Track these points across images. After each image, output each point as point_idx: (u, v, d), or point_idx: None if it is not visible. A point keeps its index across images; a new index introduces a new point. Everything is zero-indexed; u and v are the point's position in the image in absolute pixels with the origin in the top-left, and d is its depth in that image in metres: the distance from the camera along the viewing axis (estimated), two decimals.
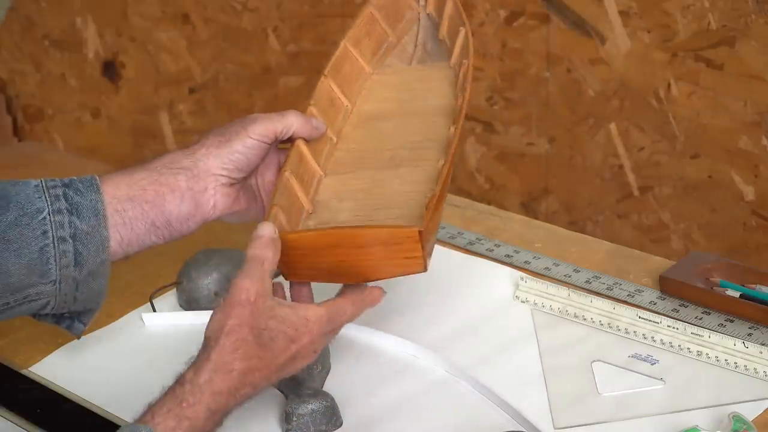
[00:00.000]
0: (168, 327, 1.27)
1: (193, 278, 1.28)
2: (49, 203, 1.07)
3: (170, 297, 1.31)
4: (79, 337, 1.14)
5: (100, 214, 1.08)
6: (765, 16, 1.76)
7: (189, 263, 1.29)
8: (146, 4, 2.52)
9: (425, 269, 1.06)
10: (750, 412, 1.09)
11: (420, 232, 1.03)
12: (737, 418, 1.07)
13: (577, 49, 1.96)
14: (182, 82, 2.51)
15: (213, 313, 1.02)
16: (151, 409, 1.00)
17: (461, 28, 1.27)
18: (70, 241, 1.08)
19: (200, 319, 1.27)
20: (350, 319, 1.08)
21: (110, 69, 2.55)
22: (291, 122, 1.15)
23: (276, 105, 2.39)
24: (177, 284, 1.30)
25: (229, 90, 2.47)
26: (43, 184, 1.09)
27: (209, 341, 1.01)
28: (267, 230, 1.05)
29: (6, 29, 2.79)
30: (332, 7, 2.29)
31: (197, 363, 1.01)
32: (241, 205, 1.16)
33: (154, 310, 1.28)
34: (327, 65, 1.23)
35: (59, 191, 1.08)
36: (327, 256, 1.06)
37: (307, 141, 1.17)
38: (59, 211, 1.07)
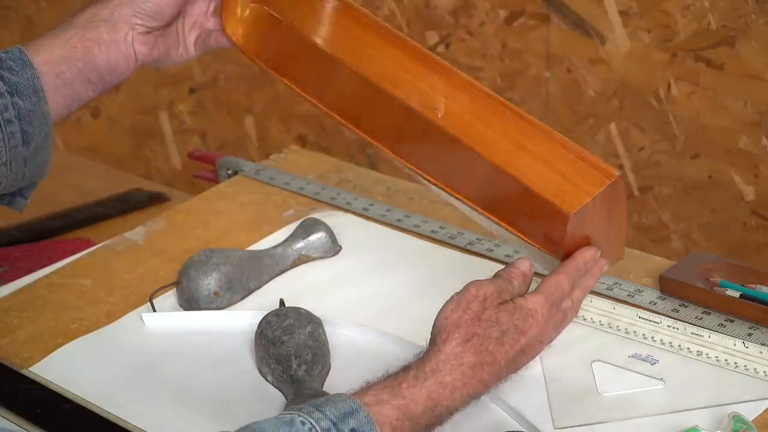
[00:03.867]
0: (168, 327, 1.27)
1: (193, 278, 1.28)
2: None
3: (170, 297, 1.31)
4: (21, 211, 1.18)
5: (39, 89, 1.12)
6: (765, 16, 1.76)
7: (189, 263, 1.29)
8: None
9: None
10: (750, 412, 1.09)
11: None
12: (737, 418, 1.06)
13: (577, 49, 1.96)
14: (182, 82, 2.51)
15: (445, 305, 1.02)
16: (369, 384, 0.99)
17: None
18: (16, 121, 1.11)
19: (200, 319, 1.27)
20: (569, 293, 1.05)
21: None
22: None
23: (276, 105, 2.39)
24: (177, 284, 1.30)
25: (229, 90, 2.47)
26: None
27: (440, 333, 1.00)
28: (526, 266, 1.06)
29: (6, 29, 2.79)
30: None
31: (426, 353, 1.00)
32: (159, 51, 1.20)
33: (154, 310, 1.28)
34: None
35: None
36: None
37: None
38: (0, 95, 1.10)
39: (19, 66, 1.12)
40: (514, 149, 1.05)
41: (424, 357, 1.00)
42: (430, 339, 1.01)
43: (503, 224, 1.08)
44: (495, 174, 1.06)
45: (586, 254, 1.07)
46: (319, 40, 1.14)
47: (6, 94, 1.11)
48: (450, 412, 0.99)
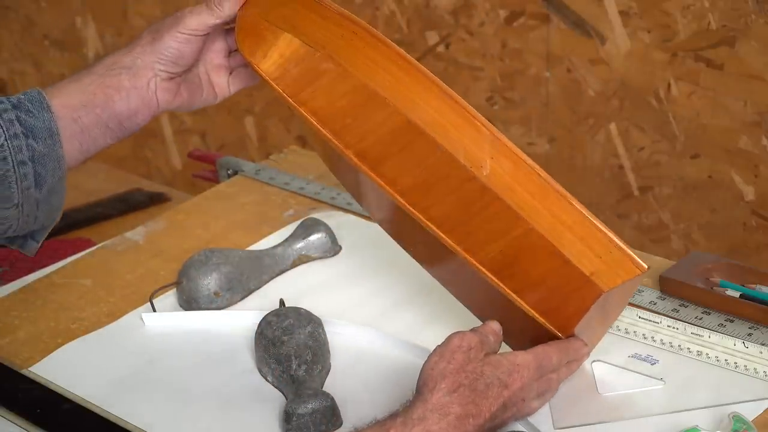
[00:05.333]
0: (168, 327, 1.27)
1: (193, 278, 1.28)
2: (4, 129, 1.09)
3: (170, 297, 1.31)
4: (33, 255, 1.17)
5: (55, 133, 1.11)
6: (765, 16, 1.76)
7: (189, 263, 1.29)
8: (146, 4, 2.52)
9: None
10: (750, 412, 1.09)
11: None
12: (737, 418, 1.06)
13: (577, 49, 1.96)
14: None
15: (429, 356, 1.03)
16: (357, 429, 1.00)
17: None
18: (30, 163, 1.10)
19: (200, 319, 1.27)
20: (556, 368, 1.08)
21: None
22: (225, 12, 1.17)
23: (276, 105, 2.39)
24: (177, 284, 1.30)
25: None
26: None
27: (426, 383, 1.01)
28: (498, 326, 1.08)
29: (6, 29, 2.79)
30: None
31: (413, 402, 1.01)
32: (183, 98, 1.19)
33: (154, 310, 1.28)
34: None
35: (12, 115, 1.10)
36: None
37: None
38: (16, 136, 1.09)
39: (36, 109, 1.11)
40: (555, 221, 1.07)
41: (411, 405, 1.00)
42: (416, 388, 1.02)
43: (509, 292, 1.08)
44: (532, 240, 1.06)
45: (577, 344, 1.10)
46: (363, 77, 1.11)
47: (21, 135, 1.09)
48: None
